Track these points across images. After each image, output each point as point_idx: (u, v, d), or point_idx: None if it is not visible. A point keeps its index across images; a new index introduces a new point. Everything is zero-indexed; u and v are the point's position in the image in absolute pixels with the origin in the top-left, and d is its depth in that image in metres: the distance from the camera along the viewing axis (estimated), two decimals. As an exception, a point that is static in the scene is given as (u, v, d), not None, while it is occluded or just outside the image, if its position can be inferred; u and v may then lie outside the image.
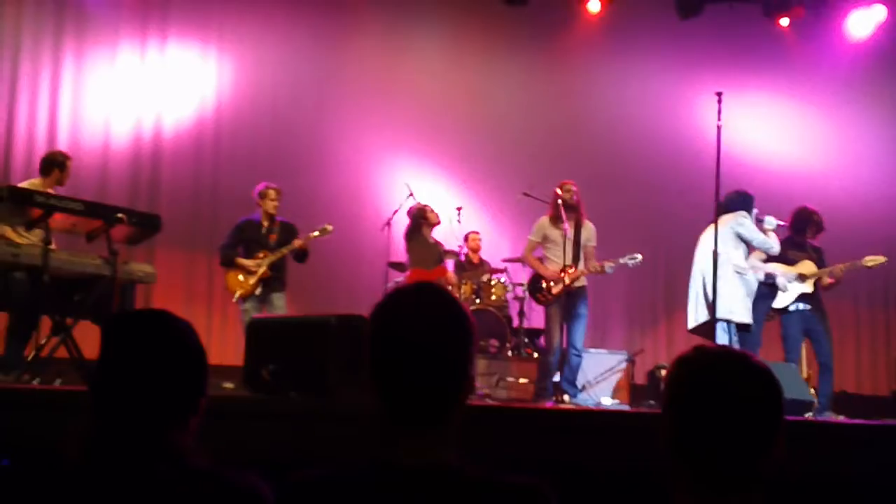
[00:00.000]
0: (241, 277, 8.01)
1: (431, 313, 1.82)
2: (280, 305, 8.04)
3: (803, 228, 7.88)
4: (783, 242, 7.79)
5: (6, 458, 1.86)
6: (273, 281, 8.04)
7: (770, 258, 7.79)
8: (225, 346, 9.55)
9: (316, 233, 8.17)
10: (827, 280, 7.78)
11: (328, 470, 1.81)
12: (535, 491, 1.75)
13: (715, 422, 1.73)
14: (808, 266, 7.75)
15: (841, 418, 6.82)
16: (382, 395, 1.81)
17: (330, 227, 8.19)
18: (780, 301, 7.71)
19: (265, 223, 8.20)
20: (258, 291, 7.99)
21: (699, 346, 1.85)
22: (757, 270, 7.75)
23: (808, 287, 7.68)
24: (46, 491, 1.84)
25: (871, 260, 7.76)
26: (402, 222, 9.36)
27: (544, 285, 7.85)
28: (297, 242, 8.00)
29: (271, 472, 1.94)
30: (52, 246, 6.02)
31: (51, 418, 3.58)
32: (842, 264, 7.71)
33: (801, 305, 7.69)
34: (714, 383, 1.76)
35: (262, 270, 7.97)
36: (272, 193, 8.17)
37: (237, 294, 8.01)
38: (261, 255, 8.03)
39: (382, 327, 1.84)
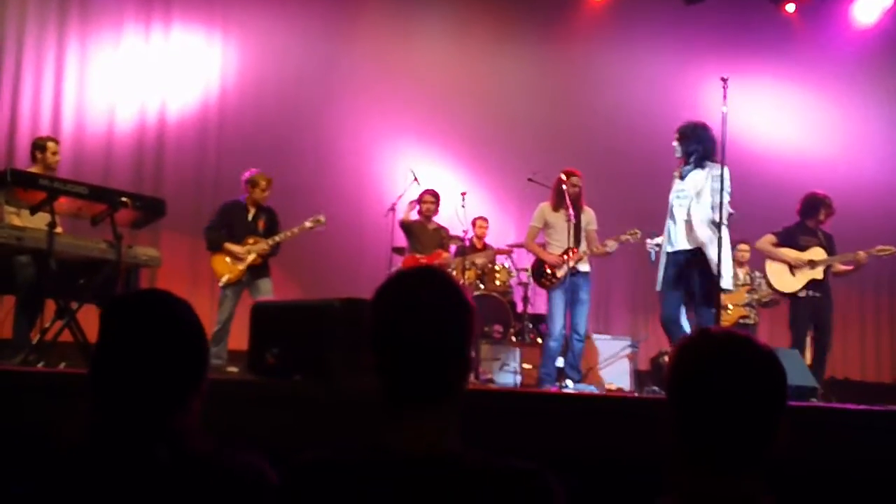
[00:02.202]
0: (228, 261, 8.00)
1: (431, 295, 1.84)
2: (266, 290, 8.01)
3: (812, 213, 7.91)
4: (795, 228, 7.86)
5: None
6: (260, 267, 8.05)
7: (780, 243, 7.86)
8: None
9: (309, 223, 8.16)
10: (840, 267, 7.83)
11: (329, 454, 1.82)
12: (536, 476, 1.75)
13: (718, 406, 1.74)
14: (818, 252, 7.80)
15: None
16: (383, 376, 1.83)
17: (323, 219, 8.18)
18: (789, 286, 7.78)
19: (251, 208, 8.19)
20: (244, 278, 8.00)
21: (703, 330, 1.85)
22: (769, 254, 7.82)
23: (817, 274, 7.72)
24: (49, 473, 1.85)
25: (883, 250, 7.79)
26: (405, 208, 9.39)
27: (549, 270, 7.89)
28: (289, 234, 8.05)
29: (275, 455, 1.94)
30: (58, 230, 6.01)
31: (55, 401, 3.59)
32: (863, 251, 7.74)
33: (811, 292, 7.77)
34: (717, 367, 1.76)
35: (252, 258, 7.96)
36: (263, 183, 8.14)
37: (224, 278, 7.99)
38: (251, 240, 8.02)
39: (383, 308, 1.86)
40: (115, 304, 2.03)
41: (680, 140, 6.65)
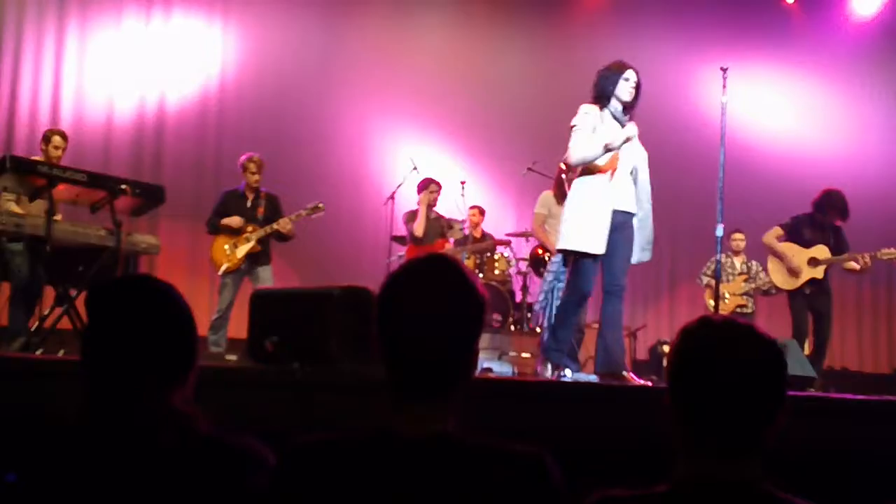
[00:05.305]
0: (227, 249, 7.97)
1: (442, 285, 1.80)
2: (266, 278, 7.96)
3: (825, 211, 7.82)
4: (804, 219, 7.89)
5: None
6: (259, 255, 8.01)
7: (786, 235, 7.86)
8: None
9: (306, 210, 8.12)
10: (851, 265, 7.79)
11: (328, 435, 1.82)
12: (536, 459, 1.76)
13: (719, 393, 1.74)
14: (822, 251, 7.76)
15: None
16: (389, 366, 1.80)
17: (322, 206, 8.14)
18: (790, 283, 7.81)
19: (249, 195, 8.16)
20: (243, 266, 7.98)
21: (705, 317, 1.85)
22: (772, 250, 7.87)
23: (818, 273, 7.71)
24: (49, 459, 1.85)
25: (888, 253, 7.76)
26: (405, 196, 9.38)
27: (547, 259, 7.90)
28: (284, 223, 7.95)
29: (273, 441, 1.95)
30: (58, 217, 6.02)
31: (54, 388, 3.59)
32: (868, 254, 7.69)
33: (810, 288, 7.79)
34: (719, 354, 1.76)
35: (251, 245, 7.93)
36: (252, 167, 8.08)
37: (223, 267, 7.95)
38: (249, 228, 7.99)
39: (392, 297, 1.82)
40: (96, 291, 2.06)
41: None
